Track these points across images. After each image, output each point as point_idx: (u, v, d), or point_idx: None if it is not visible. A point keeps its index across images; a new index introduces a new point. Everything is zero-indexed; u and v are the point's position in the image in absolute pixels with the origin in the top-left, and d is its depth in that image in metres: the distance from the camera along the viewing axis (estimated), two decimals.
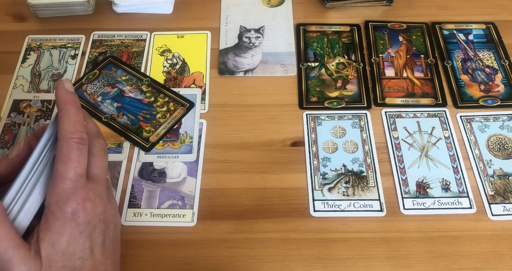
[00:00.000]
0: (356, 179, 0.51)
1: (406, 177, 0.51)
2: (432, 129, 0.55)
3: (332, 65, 0.61)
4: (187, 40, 0.64)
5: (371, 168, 0.52)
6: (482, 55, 0.62)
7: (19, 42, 0.64)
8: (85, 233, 0.33)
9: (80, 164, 0.34)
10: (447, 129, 0.55)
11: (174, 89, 0.58)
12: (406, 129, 0.55)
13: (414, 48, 0.63)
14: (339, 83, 0.59)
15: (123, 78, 0.59)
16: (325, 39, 0.63)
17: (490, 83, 0.59)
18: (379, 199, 0.49)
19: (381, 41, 0.63)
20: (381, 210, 0.49)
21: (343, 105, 0.57)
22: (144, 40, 0.64)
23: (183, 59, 0.62)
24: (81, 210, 0.33)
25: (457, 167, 0.52)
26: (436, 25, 0.65)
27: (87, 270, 0.33)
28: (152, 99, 0.57)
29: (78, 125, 0.35)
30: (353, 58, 0.62)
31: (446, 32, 0.64)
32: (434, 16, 0.66)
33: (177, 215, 0.49)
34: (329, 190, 0.50)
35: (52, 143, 0.36)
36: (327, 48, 0.63)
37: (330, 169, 0.52)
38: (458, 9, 0.67)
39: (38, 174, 0.34)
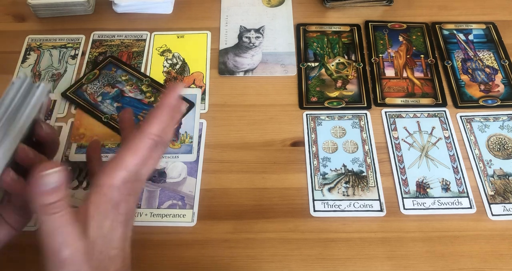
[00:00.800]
0: (356, 179, 0.51)
1: (406, 177, 0.51)
2: (432, 129, 0.55)
3: (332, 65, 0.61)
4: (187, 40, 0.64)
5: (371, 168, 0.52)
6: (482, 55, 0.62)
7: (19, 42, 0.64)
8: (123, 224, 0.34)
9: (143, 161, 0.34)
10: (447, 129, 0.55)
11: None
12: (406, 129, 0.55)
13: (414, 48, 0.63)
14: (339, 83, 0.59)
15: (123, 78, 0.59)
16: (325, 39, 0.63)
17: (490, 83, 0.59)
18: (379, 199, 0.49)
19: (381, 41, 0.63)
20: (381, 210, 0.49)
21: (343, 105, 0.57)
22: (144, 40, 0.64)
23: (183, 59, 0.62)
24: (125, 201, 0.34)
25: (457, 167, 0.52)
26: (436, 25, 0.65)
27: (119, 261, 0.34)
28: (152, 99, 0.57)
29: (163, 131, 0.35)
30: (353, 58, 0.62)
31: (446, 32, 0.64)
32: (434, 16, 0.66)
33: (177, 215, 0.49)
34: (329, 190, 0.50)
35: (18, 101, 0.36)
36: (327, 48, 0.63)
37: (330, 169, 0.52)
38: (458, 9, 0.67)
39: (4, 128, 0.34)
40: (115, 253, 0.33)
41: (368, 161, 0.52)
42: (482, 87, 0.58)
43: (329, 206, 0.49)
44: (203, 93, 0.58)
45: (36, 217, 0.31)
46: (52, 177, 0.30)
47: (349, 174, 0.51)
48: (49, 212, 0.30)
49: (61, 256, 0.30)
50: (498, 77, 0.59)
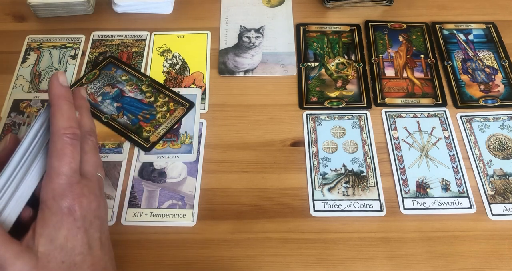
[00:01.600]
0: (356, 179, 0.51)
1: (406, 177, 0.51)
2: (432, 129, 0.55)
3: (332, 65, 0.61)
4: (187, 40, 0.64)
5: (371, 168, 0.52)
6: (482, 55, 0.62)
7: (19, 42, 0.64)
8: (83, 229, 0.33)
9: (74, 159, 0.34)
10: (447, 129, 0.55)
11: (174, 89, 0.58)
12: (406, 129, 0.55)
13: (414, 48, 0.63)
14: (339, 83, 0.59)
15: (123, 78, 0.59)
16: (325, 39, 0.63)
17: (490, 83, 0.59)
18: (379, 199, 0.49)
19: (381, 41, 0.63)
20: (381, 210, 0.49)
21: (343, 105, 0.57)
22: (144, 40, 0.64)
23: (183, 59, 0.62)
24: (77, 205, 0.33)
25: (457, 167, 0.52)
26: (436, 25, 0.65)
27: (87, 265, 0.33)
28: (152, 99, 0.57)
29: (71, 121, 0.34)
30: (353, 58, 0.62)
31: (446, 32, 0.64)
32: (434, 16, 0.66)
33: (177, 215, 0.49)
34: (329, 190, 0.50)
35: (43, 132, 0.35)
36: (327, 48, 0.63)
37: (330, 169, 0.52)
38: (458, 9, 0.67)
39: (28, 162, 0.34)
40: (80, 258, 0.33)
41: (368, 161, 0.52)
42: (482, 87, 0.58)
43: (329, 206, 0.49)
44: (203, 93, 0.58)
45: None
46: None
47: (349, 174, 0.51)
48: None
49: None
50: (498, 77, 0.59)
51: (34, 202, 0.34)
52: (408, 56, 0.62)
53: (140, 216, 0.49)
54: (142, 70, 0.61)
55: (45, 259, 0.31)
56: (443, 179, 0.51)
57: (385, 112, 0.56)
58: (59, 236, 0.32)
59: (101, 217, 0.36)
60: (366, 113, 0.56)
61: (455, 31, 0.64)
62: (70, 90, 0.37)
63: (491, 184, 0.50)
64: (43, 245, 0.31)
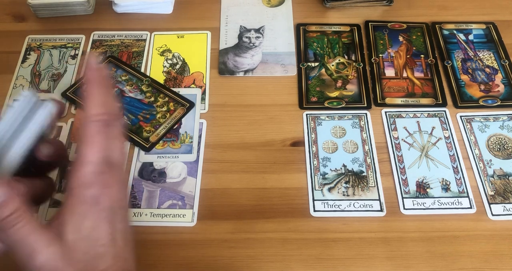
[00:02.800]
0: (356, 179, 0.51)
1: (406, 177, 0.51)
2: (432, 129, 0.55)
3: (332, 65, 0.61)
4: (187, 40, 0.64)
5: (371, 168, 0.52)
6: (482, 55, 0.62)
7: (19, 42, 0.64)
8: (108, 219, 0.33)
9: (103, 148, 0.33)
10: (447, 129, 0.55)
11: (174, 89, 0.58)
12: (406, 129, 0.55)
13: (414, 48, 0.63)
14: (339, 83, 0.59)
15: (123, 78, 0.59)
16: (325, 39, 0.64)
17: (490, 83, 0.59)
18: (379, 199, 0.49)
19: (381, 41, 0.63)
20: (381, 210, 0.49)
21: (343, 105, 0.57)
22: (144, 40, 0.64)
23: (183, 59, 0.62)
24: (103, 195, 0.32)
25: (457, 167, 0.52)
26: (436, 25, 0.65)
27: (110, 257, 0.33)
28: (152, 99, 0.57)
29: (104, 107, 0.33)
30: (353, 58, 0.62)
31: (446, 32, 0.64)
32: (434, 16, 0.66)
33: (177, 215, 0.49)
34: (329, 190, 0.50)
35: (18, 120, 0.34)
36: (327, 48, 0.63)
37: (330, 169, 0.52)
38: (458, 9, 0.67)
39: None
40: (103, 250, 0.32)
41: (368, 161, 0.52)
42: (482, 87, 0.58)
43: (329, 206, 0.49)
44: (203, 93, 0.58)
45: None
46: None
47: (349, 174, 0.51)
48: (6, 226, 0.29)
49: (35, 264, 0.29)
50: (498, 77, 0.59)
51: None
52: (408, 56, 0.62)
53: (140, 216, 0.49)
54: (142, 70, 0.61)
55: (71, 248, 0.31)
56: (443, 179, 0.51)
57: (385, 112, 0.56)
58: (85, 225, 0.31)
59: (124, 207, 0.35)
60: (366, 113, 0.56)
61: (455, 31, 0.64)
62: (105, 73, 0.35)
63: (491, 184, 0.50)
64: (70, 233, 0.31)
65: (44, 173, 0.36)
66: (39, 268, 0.29)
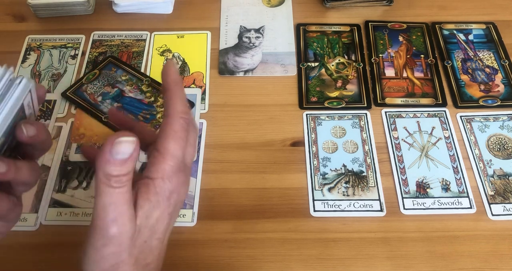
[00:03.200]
0: (356, 179, 0.51)
1: (406, 177, 0.51)
2: (432, 129, 0.55)
3: (332, 65, 0.61)
4: (187, 40, 0.64)
5: (371, 168, 0.52)
6: (482, 55, 0.62)
7: (19, 42, 0.64)
8: (170, 216, 0.33)
9: (186, 144, 0.33)
10: (447, 129, 0.55)
11: None
12: (406, 129, 0.55)
13: (414, 48, 0.63)
14: (339, 83, 0.59)
15: (123, 78, 0.59)
16: (325, 39, 0.63)
17: (490, 83, 0.59)
18: (379, 199, 0.49)
19: (381, 41, 0.63)
20: (381, 210, 0.49)
21: (343, 105, 0.57)
22: (144, 40, 0.64)
23: (183, 59, 0.62)
24: (175, 192, 0.33)
25: (457, 167, 0.52)
26: (436, 25, 0.65)
27: (157, 252, 0.33)
28: (152, 99, 0.57)
29: (187, 108, 0.34)
30: (353, 58, 0.62)
31: (446, 32, 0.64)
32: (434, 16, 0.66)
33: None
34: (329, 190, 0.50)
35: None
36: (327, 48, 0.63)
37: (330, 169, 0.52)
38: (458, 9, 0.67)
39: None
40: (156, 244, 0.33)
41: (368, 161, 0.52)
42: (482, 87, 0.58)
43: (329, 206, 0.49)
44: (203, 93, 0.58)
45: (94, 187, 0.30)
46: (125, 146, 0.29)
47: (349, 174, 0.51)
48: (111, 184, 0.29)
49: (109, 233, 0.29)
50: (498, 77, 0.59)
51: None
52: (408, 56, 0.62)
53: None
54: (142, 70, 0.61)
55: (137, 232, 0.31)
56: (443, 179, 0.51)
57: (385, 112, 0.56)
58: (153, 215, 0.32)
59: (180, 208, 0.36)
60: (366, 113, 0.56)
61: (455, 31, 0.64)
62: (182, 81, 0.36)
63: (491, 184, 0.50)
64: (140, 218, 0.31)
65: (30, 159, 0.35)
66: (111, 237, 0.29)
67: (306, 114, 0.56)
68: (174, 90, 0.34)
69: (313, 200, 0.49)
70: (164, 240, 0.34)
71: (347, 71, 0.60)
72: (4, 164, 0.30)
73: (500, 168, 0.52)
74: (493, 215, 0.48)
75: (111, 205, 0.29)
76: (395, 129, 0.55)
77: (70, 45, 0.63)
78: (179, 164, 0.33)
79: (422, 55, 0.62)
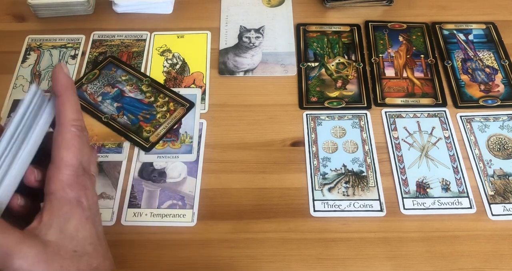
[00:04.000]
0: (356, 179, 0.51)
1: (406, 177, 0.51)
2: (432, 129, 0.55)
3: (332, 65, 0.61)
4: (187, 40, 0.64)
5: (371, 168, 0.52)
6: (482, 55, 0.62)
7: (19, 42, 0.64)
8: (90, 219, 0.33)
9: (81, 152, 0.34)
10: (447, 129, 0.55)
11: (174, 89, 0.58)
12: (406, 129, 0.55)
13: (414, 48, 0.63)
14: (339, 83, 0.59)
15: (123, 78, 0.59)
16: (325, 39, 0.64)
17: (490, 83, 0.59)
18: (379, 199, 0.49)
19: (381, 41, 0.63)
20: (381, 210, 0.49)
21: (343, 105, 0.57)
22: (144, 40, 0.64)
23: (183, 59, 0.62)
24: (84, 197, 0.33)
25: (457, 167, 0.52)
26: (436, 25, 0.65)
27: (100, 255, 0.33)
28: (152, 99, 0.57)
29: (79, 113, 0.34)
30: (353, 58, 0.62)
31: (446, 32, 0.64)
32: (434, 16, 0.66)
33: (177, 215, 0.49)
34: (329, 190, 0.50)
35: (28, 118, 0.34)
36: (327, 48, 0.63)
37: (330, 169, 0.52)
38: (458, 9, 0.67)
39: (14, 150, 0.33)
40: (92, 248, 0.33)
41: (368, 161, 0.52)
42: (482, 87, 0.58)
43: (329, 206, 0.49)
44: (203, 93, 0.58)
45: None
46: None
47: (349, 174, 0.51)
48: None
49: (13, 267, 0.29)
50: (498, 77, 0.59)
51: (22, 190, 0.34)
52: (408, 56, 0.62)
53: (140, 216, 0.49)
54: (142, 70, 0.61)
55: (55, 247, 0.31)
56: (443, 179, 0.51)
57: (385, 112, 0.56)
58: (69, 226, 0.32)
59: (98, 211, 0.36)
60: (366, 113, 0.56)
61: (455, 31, 0.64)
62: (74, 82, 0.36)
63: (491, 184, 0.50)
64: (52, 235, 0.31)
65: (36, 201, 0.36)
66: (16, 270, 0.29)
67: (306, 114, 0.56)
68: (65, 97, 0.34)
69: (313, 200, 0.49)
70: (100, 241, 0.34)
71: (347, 71, 0.60)
72: (40, 172, 0.33)
73: (500, 168, 0.52)
74: (493, 215, 0.48)
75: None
76: (395, 129, 0.55)
77: (70, 45, 0.63)
78: (77, 171, 0.33)
79: (422, 55, 0.62)
